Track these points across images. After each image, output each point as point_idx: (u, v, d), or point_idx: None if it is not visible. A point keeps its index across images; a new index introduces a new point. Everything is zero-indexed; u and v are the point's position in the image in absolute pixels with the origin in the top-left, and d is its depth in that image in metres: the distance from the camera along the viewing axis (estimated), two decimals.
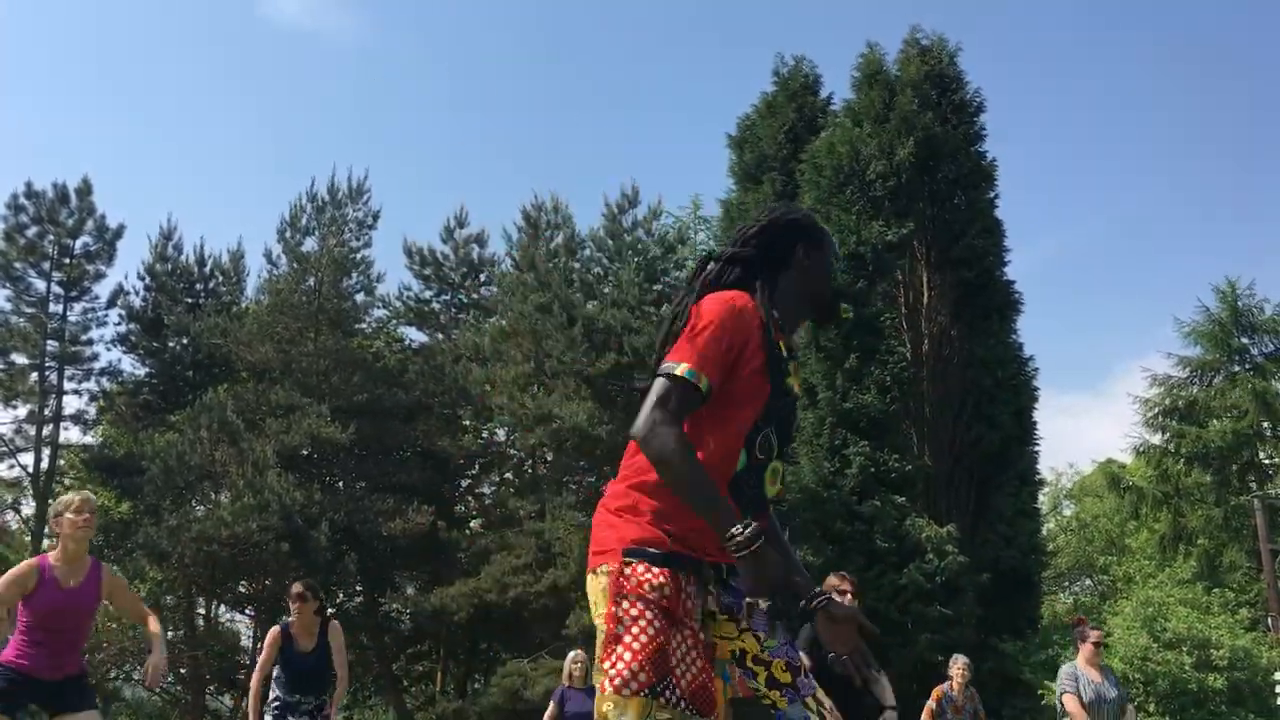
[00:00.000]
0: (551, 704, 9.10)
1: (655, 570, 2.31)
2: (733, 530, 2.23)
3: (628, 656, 2.25)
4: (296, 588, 6.98)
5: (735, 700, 2.40)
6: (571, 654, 9.35)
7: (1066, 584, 32.82)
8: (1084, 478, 36.08)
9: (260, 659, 6.92)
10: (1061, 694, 7.34)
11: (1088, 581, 31.88)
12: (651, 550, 2.33)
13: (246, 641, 25.35)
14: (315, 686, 6.92)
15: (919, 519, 16.89)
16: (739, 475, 2.41)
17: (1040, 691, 15.62)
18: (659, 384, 2.35)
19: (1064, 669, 7.53)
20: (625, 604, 2.31)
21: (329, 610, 7.29)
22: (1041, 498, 24.98)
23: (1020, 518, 18.46)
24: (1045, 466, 36.58)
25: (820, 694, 2.39)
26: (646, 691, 2.23)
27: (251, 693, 7.07)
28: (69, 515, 4.87)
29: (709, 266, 2.60)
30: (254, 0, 72.21)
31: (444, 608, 20.02)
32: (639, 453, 2.39)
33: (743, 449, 2.41)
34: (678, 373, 2.34)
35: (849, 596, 6.18)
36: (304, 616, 6.85)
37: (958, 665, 8.85)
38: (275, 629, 6.99)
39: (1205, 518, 25.33)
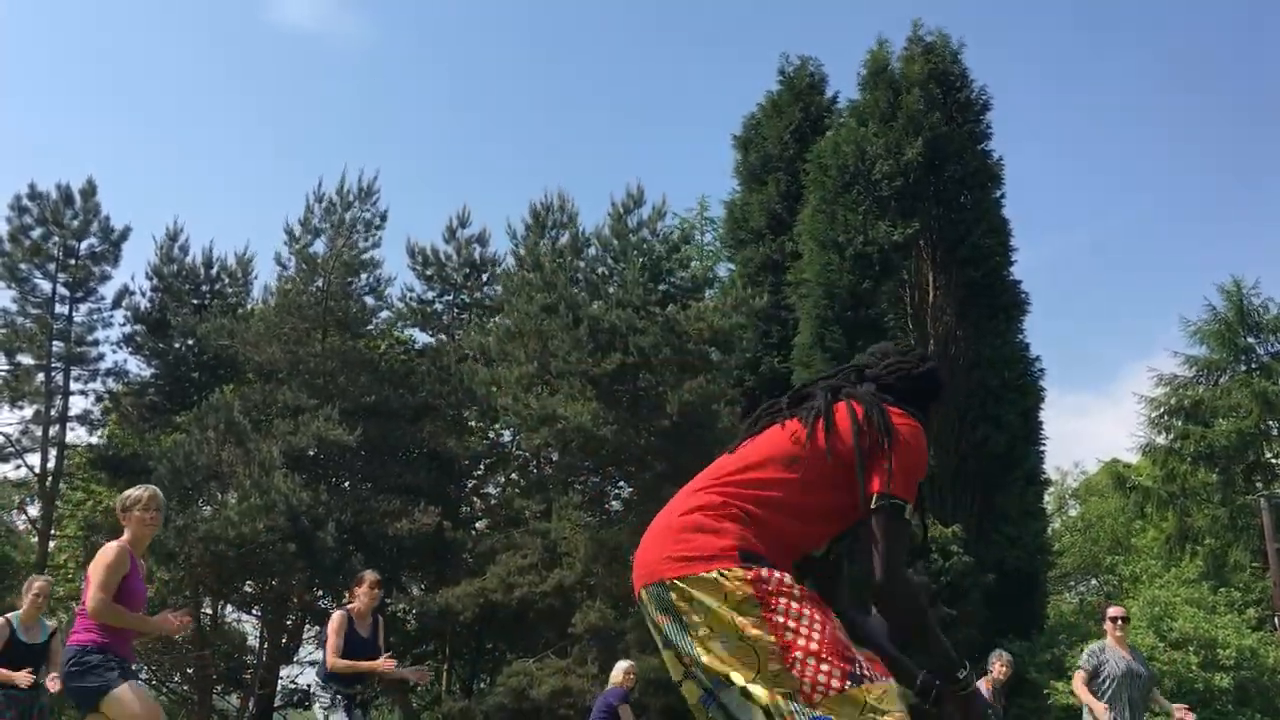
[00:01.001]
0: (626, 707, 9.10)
1: (778, 570, 2.35)
2: (960, 673, 2.43)
3: (818, 654, 2.25)
4: (373, 575, 7.22)
5: None
6: (625, 664, 9.45)
7: (1072, 584, 32.79)
8: (1089, 477, 36.04)
9: (330, 644, 6.94)
10: (1077, 671, 7.32)
11: (1094, 581, 31.84)
12: (764, 557, 2.36)
13: (253, 641, 25.38)
14: (362, 676, 7.07)
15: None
16: (817, 558, 2.61)
17: (1046, 691, 15.63)
18: (891, 521, 2.41)
19: (1088, 648, 7.52)
20: (782, 602, 2.30)
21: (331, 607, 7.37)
22: (1047, 498, 24.98)
23: (1026, 518, 18.46)
24: (1051, 466, 36.50)
25: None
26: (851, 681, 2.24)
27: (345, 667, 6.95)
28: (137, 511, 5.04)
29: (848, 373, 2.76)
30: (258, 4, 72.35)
31: (450, 607, 20.04)
32: (752, 470, 2.48)
33: (828, 542, 2.61)
34: (895, 505, 2.43)
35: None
36: (371, 603, 7.07)
37: (1001, 662, 9.04)
38: (339, 614, 7.10)
39: (1211, 517, 25.29)
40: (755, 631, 2.27)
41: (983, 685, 8.99)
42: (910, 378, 2.71)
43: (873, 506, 2.41)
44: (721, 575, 2.31)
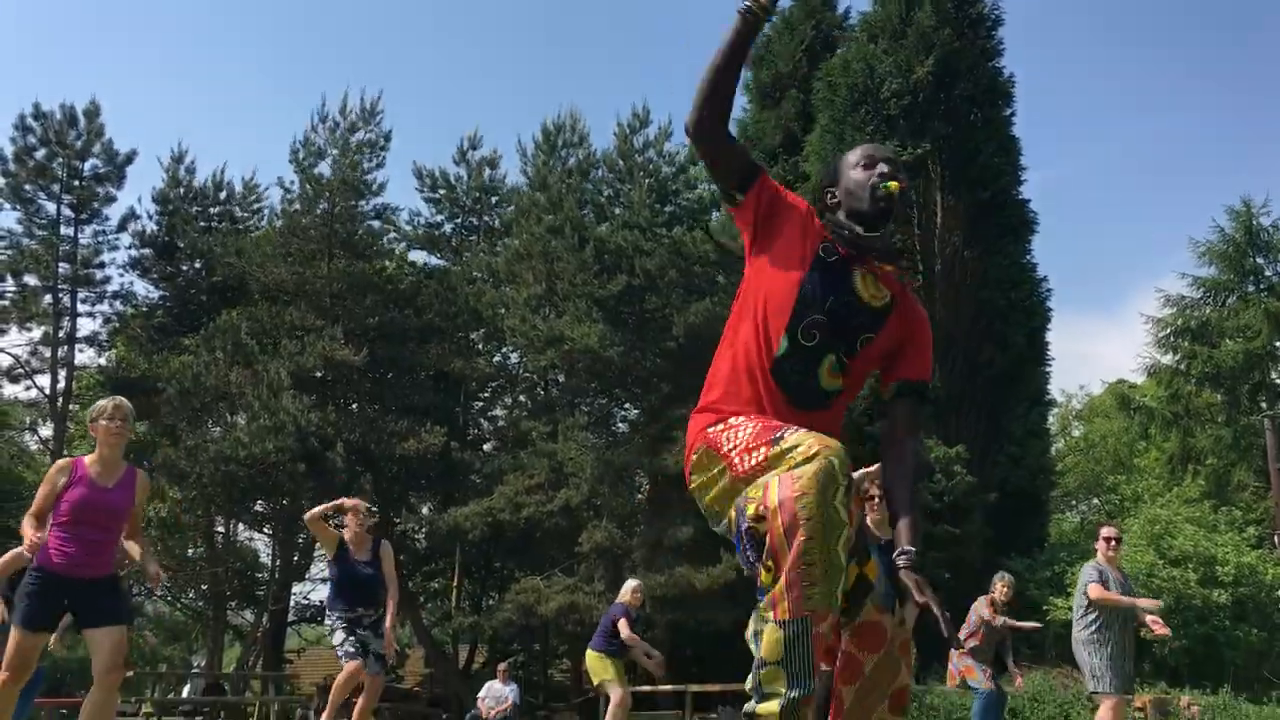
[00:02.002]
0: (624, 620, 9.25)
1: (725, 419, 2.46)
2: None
3: (747, 445, 2.37)
4: (352, 502, 7.45)
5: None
6: (634, 583, 9.59)
7: (1074, 503, 33.07)
8: (1094, 399, 36.14)
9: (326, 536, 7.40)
10: (1087, 584, 7.36)
11: (1095, 501, 32.11)
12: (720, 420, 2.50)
13: (265, 559, 25.80)
14: (370, 598, 7.27)
15: (928, 439, 17.01)
16: (780, 359, 2.45)
17: (1045, 607, 15.86)
18: None
19: (1087, 565, 7.59)
20: (725, 435, 2.42)
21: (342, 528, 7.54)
22: (1051, 419, 25.09)
23: (1030, 438, 18.58)
24: (1056, 388, 36.61)
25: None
26: (770, 444, 2.28)
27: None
28: (103, 421, 4.96)
29: None
30: None
31: (458, 526, 20.30)
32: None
33: (785, 331, 2.46)
34: None
35: (876, 499, 6.14)
36: (357, 531, 7.32)
37: (1004, 583, 9.21)
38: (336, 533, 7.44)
39: (1215, 438, 25.42)
40: (718, 469, 2.34)
41: (984, 605, 9.14)
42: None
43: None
44: (698, 454, 2.44)
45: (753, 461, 2.23)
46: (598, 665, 9.12)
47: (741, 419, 2.37)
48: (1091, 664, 7.25)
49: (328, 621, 7.40)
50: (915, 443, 2.53)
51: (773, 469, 2.18)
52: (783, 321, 2.47)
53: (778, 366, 2.45)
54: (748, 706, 2.13)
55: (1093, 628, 7.30)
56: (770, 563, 2.09)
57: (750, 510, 2.15)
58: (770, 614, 2.08)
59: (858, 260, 2.54)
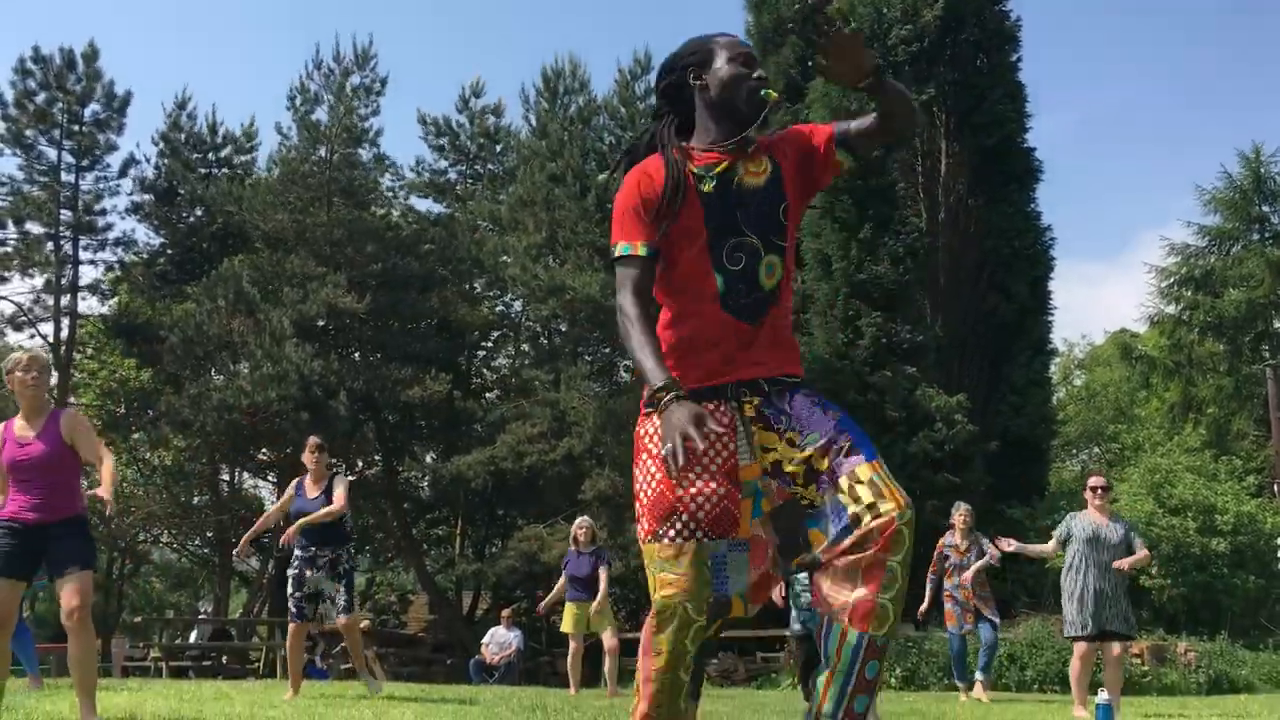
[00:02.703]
0: (564, 570, 9.45)
1: (654, 420, 2.42)
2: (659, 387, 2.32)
3: (644, 508, 2.42)
4: (314, 440, 7.67)
5: (771, 511, 2.42)
6: (579, 519, 9.67)
7: (1075, 452, 33.15)
8: (1096, 348, 36.12)
9: (279, 502, 7.68)
10: (1052, 539, 7.77)
11: (1095, 449, 32.20)
12: (657, 399, 2.41)
13: (270, 506, 25.96)
14: (323, 537, 7.35)
15: (930, 389, 17.02)
16: (724, 295, 2.46)
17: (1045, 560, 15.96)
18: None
19: (1066, 517, 7.83)
20: (642, 457, 2.46)
21: (345, 474, 7.68)
22: (1053, 368, 25.08)
23: (1031, 387, 18.57)
24: (1058, 337, 36.56)
25: (863, 468, 2.33)
26: (651, 538, 2.38)
27: (256, 525, 7.84)
28: (18, 374, 5.00)
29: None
30: None
31: (461, 475, 20.41)
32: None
33: (713, 271, 2.47)
34: (615, 255, 2.49)
35: None
36: (314, 468, 7.49)
37: (959, 513, 9.79)
38: (295, 480, 7.64)
39: (1216, 387, 25.44)
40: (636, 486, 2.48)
41: (949, 536, 9.76)
42: (657, 104, 2.72)
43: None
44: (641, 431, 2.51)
45: (641, 533, 2.41)
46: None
47: (653, 447, 2.42)
48: (1065, 609, 7.53)
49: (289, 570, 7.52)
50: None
51: (649, 561, 2.38)
52: (705, 267, 2.47)
53: (725, 300, 2.47)
54: None
55: (1065, 574, 7.55)
56: (640, 657, 2.39)
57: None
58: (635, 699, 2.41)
59: (732, 161, 2.52)
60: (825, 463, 2.35)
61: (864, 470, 2.32)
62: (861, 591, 2.27)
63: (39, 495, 4.89)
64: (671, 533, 2.34)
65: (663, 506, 2.36)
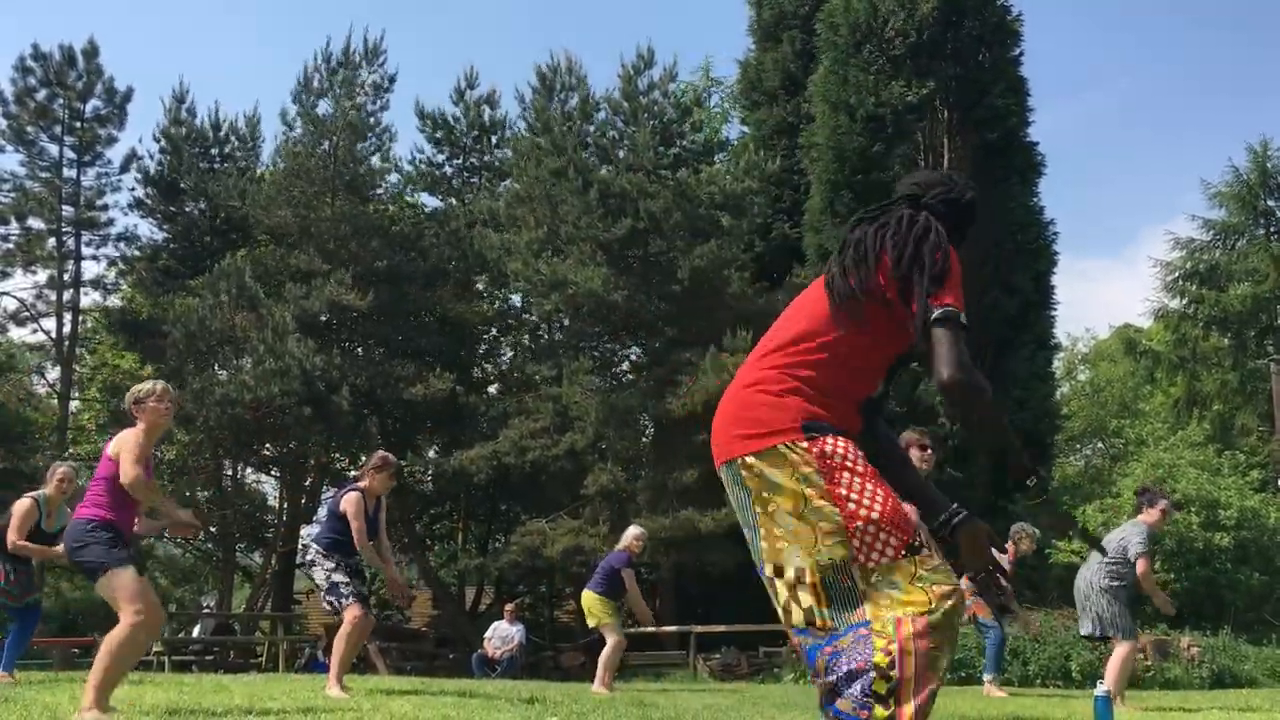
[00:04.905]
0: (629, 571, 9.32)
1: (842, 439, 2.41)
2: (1025, 463, 2.48)
3: (879, 523, 2.34)
4: (388, 458, 7.40)
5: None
6: (636, 531, 9.64)
7: (1078, 447, 33.12)
8: (1100, 342, 36.09)
9: (355, 525, 7.12)
10: (1139, 552, 7.55)
11: (1099, 445, 32.17)
12: (827, 424, 2.43)
13: (273, 501, 26.00)
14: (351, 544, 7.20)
15: (932, 384, 16.97)
16: (872, 398, 2.60)
17: (1048, 551, 15.95)
18: (958, 328, 2.41)
19: (1140, 527, 7.74)
20: (845, 476, 2.37)
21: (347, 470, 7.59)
22: (1057, 362, 25.05)
23: (1034, 381, 18.53)
24: (1062, 332, 36.55)
25: None
26: (907, 551, 2.33)
27: (364, 549, 7.20)
28: (159, 404, 5.12)
29: (899, 201, 2.75)
30: None
31: (464, 470, 20.40)
32: (805, 340, 2.51)
33: (884, 378, 2.62)
34: (962, 319, 2.43)
35: (928, 453, 6.23)
36: (384, 485, 7.29)
37: (1029, 535, 9.93)
38: (354, 494, 7.19)
39: (1220, 382, 25.42)
40: (820, 502, 2.36)
41: (1007, 558, 9.60)
42: (957, 205, 2.73)
43: (938, 316, 2.40)
44: (788, 449, 2.40)
45: (879, 544, 2.33)
46: (599, 607, 9.21)
47: (861, 467, 2.39)
48: (1112, 611, 7.58)
49: (320, 561, 7.16)
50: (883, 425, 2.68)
51: (894, 578, 2.31)
52: (886, 367, 2.62)
53: (865, 403, 2.58)
54: None
55: (1117, 580, 7.62)
56: (892, 693, 2.26)
57: (877, 658, 2.27)
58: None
59: None
60: None
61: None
62: None
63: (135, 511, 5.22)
64: (918, 542, 2.34)
65: (905, 520, 2.35)
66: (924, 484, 2.63)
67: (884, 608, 2.29)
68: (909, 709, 2.24)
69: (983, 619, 9.86)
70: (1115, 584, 7.59)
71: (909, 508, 2.46)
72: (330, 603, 7.14)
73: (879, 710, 2.25)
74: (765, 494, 2.41)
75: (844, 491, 2.35)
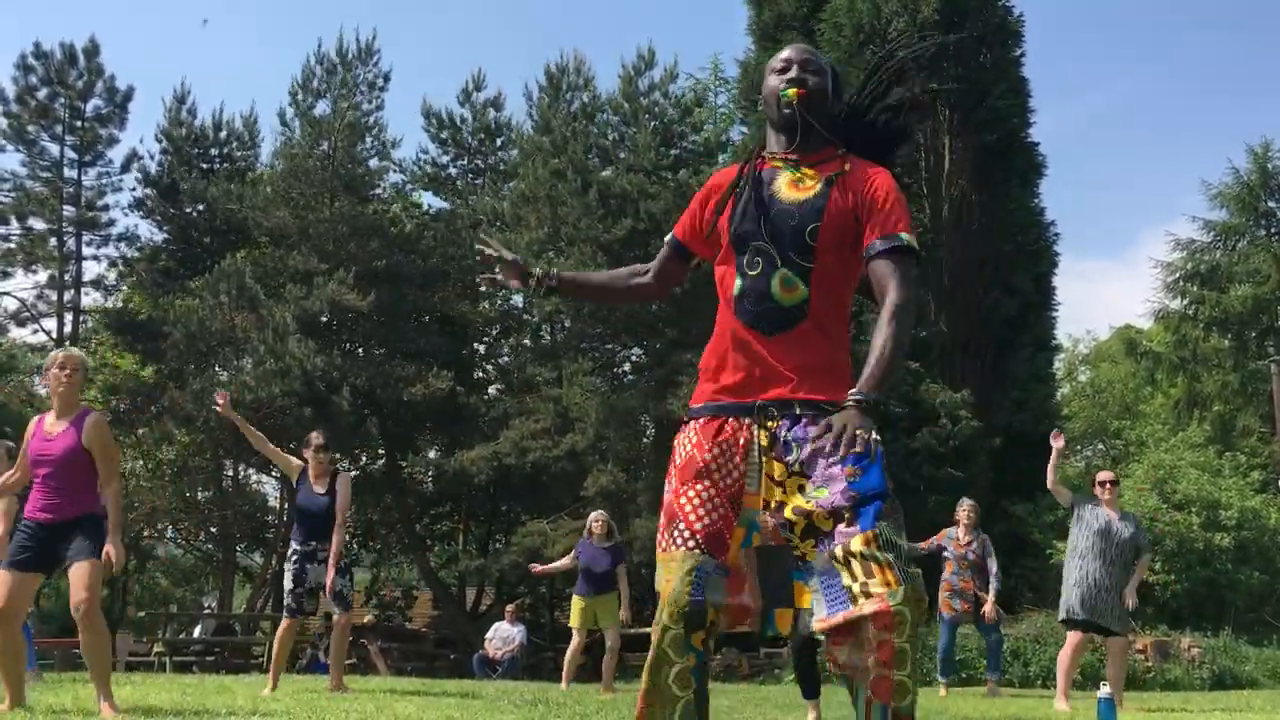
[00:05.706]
0: (573, 553, 9.42)
1: (686, 429, 2.52)
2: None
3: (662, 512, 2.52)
4: (317, 439, 7.67)
5: (759, 547, 2.38)
6: (596, 513, 9.68)
7: (1079, 448, 33.09)
8: (1101, 343, 36.06)
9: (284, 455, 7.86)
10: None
11: (1100, 445, 32.15)
12: (692, 407, 2.55)
13: (274, 502, 25.99)
14: (325, 531, 7.31)
15: (933, 384, 16.99)
16: (737, 298, 2.52)
17: (1049, 551, 15.93)
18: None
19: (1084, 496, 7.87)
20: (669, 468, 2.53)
21: (349, 469, 7.65)
22: (1057, 363, 25.04)
23: (1035, 383, 18.53)
24: (1063, 333, 36.51)
25: (856, 540, 2.25)
26: (659, 543, 2.47)
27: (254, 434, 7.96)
28: (54, 370, 5.08)
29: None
30: None
31: (465, 470, 20.41)
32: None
33: (735, 274, 2.53)
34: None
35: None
36: (318, 466, 7.48)
37: (964, 509, 9.96)
38: (301, 467, 7.59)
39: (1221, 383, 25.40)
40: None
41: (954, 530, 9.89)
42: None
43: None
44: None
45: (657, 540, 2.49)
46: (601, 608, 9.29)
47: (678, 448, 2.51)
48: (1063, 594, 7.57)
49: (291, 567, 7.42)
50: (898, 298, 2.40)
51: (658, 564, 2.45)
52: (729, 268, 2.54)
53: (738, 305, 2.51)
54: None
55: (1069, 559, 7.54)
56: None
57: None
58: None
59: (780, 168, 2.56)
60: (829, 524, 2.30)
61: (857, 542, 2.25)
62: (879, 670, 2.21)
63: (54, 495, 4.95)
64: (666, 539, 2.42)
65: (668, 514, 2.44)
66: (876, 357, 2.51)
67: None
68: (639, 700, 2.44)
69: (944, 614, 9.91)
70: (1067, 561, 7.64)
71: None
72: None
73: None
74: None
75: (668, 480, 2.54)
